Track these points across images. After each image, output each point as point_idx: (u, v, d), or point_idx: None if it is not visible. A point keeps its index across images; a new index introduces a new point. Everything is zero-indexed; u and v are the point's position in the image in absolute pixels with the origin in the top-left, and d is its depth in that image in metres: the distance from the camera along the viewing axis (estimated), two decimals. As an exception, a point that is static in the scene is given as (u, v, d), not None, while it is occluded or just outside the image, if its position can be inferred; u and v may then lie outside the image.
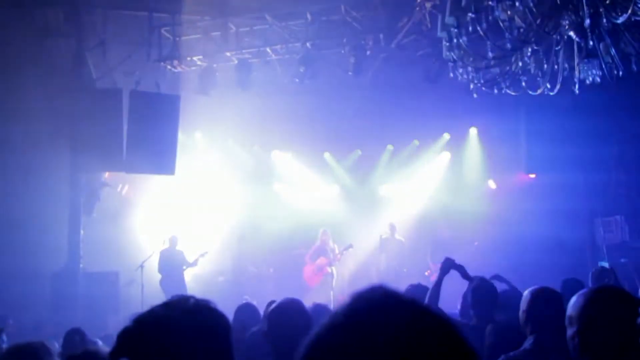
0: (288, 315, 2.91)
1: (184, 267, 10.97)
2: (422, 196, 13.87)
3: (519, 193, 12.52)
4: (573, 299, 2.30)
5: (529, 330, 3.03)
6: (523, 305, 3.10)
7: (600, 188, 11.41)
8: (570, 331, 2.27)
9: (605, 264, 9.92)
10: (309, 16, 9.51)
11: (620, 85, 6.62)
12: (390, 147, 13.95)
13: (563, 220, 11.81)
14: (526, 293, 3.23)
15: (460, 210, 13.08)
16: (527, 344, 3.00)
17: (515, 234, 11.51)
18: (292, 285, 11.95)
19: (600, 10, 4.87)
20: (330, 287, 11.83)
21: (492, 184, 13.50)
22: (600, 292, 2.27)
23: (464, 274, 4.59)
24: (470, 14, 5.17)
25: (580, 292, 2.30)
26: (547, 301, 3.07)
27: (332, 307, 10.97)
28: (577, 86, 6.00)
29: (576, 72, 5.80)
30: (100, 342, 4.27)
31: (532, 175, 12.19)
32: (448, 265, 4.55)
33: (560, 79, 6.04)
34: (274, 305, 3.08)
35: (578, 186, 11.57)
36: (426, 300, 4.23)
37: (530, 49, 5.62)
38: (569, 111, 10.34)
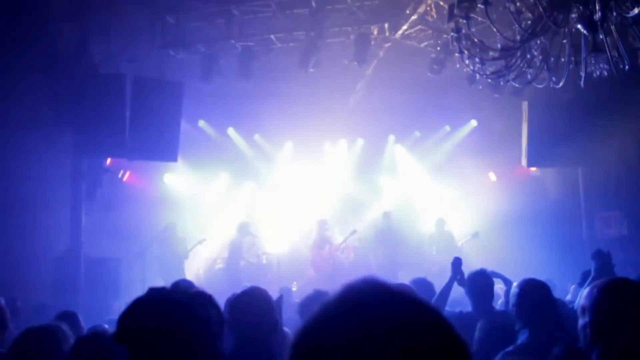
0: (251, 303, 2.87)
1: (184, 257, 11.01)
2: (422, 187, 13.92)
3: (519, 186, 12.57)
4: (586, 290, 2.32)
5: (522, 323, 3.04)
6: (513, 299, 3.12)
7: (600, 182, 11.43)
8: (582, 321, 2.29)
9: None
10: (313, 4, 9.45)
11: (622, 79, 6.62)
12: (391, 137, 13.98)
13: (562, 214, 11.87)
14: (514, 287, 3.25)
15: (460, 202, 13.14)
16: (523, 337, 3.02)
17: (515, 226, 11.54)
18: (290, 273, 12.01)
19: (611, 3, 4.87)
20: (331, 275, 11.87)
21: (492, 177, 13.55)
22: (614, 284, 2.30)
23: (461, 280, 4.62)
24: (480, 5, 5.16)
25: (594, 283, 2.33)
26: (537, 293, 3.08)
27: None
28: (582, 80, 5.99)
29: (582, 66, 5.80)
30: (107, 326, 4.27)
31: (533, 169, 12.22)
32: (458, 265, 4.62)
33: (566, 72, 6.03)
34: (237, 294, 3.03)
35: (578, 180, 11.62)
36: (434, 300, 4.29)
37: (537, 42, 5.61)
38: (570, 105, 10.35)
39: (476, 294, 4.22)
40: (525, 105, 10.95)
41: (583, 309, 2.29)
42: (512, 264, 8.95)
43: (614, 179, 11.38)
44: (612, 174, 11.39)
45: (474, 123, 13.41)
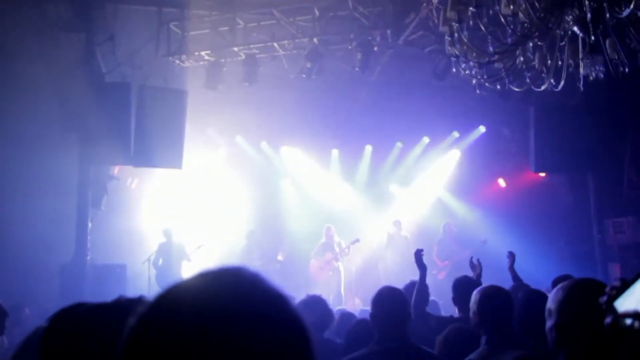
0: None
1: (185, 261, 10.98)
2: (430, 193, 13.83)
3: (529, 192, 12.42)
4: (552, 292, 2.28)
5: (482, 330, 3.01)
6: (473, 306, 3.10)
7: (611, 187, 11.25)
8: (548, 324, 2.25)
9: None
10: (316, 11, 9.50)
11: (631, 81, 6.51)
12: (399, 144, 13.91)
13: (573, 219, 11.70)
14: (475, 293, 3.22)
15: (468, 208, 13.03)
16: (482, 343, 2.99)
17: (524, 233, 11.40)
18: (299, 280, 11.97)
19: (604, 4, 4.81)
20: (337, 282, 11.85)
21: (501, 183, 13.42)
22: (580, 285, 2.25)
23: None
24: (471, 8, 5.12)
25: (560, 285, 2.28)
26: (495, 299, 3.06)
27: (342, 301, 11.01)
28: (581, 83, 5.92)
29: (580, 69, 5.73)
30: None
31: (542, 174, 12.07)
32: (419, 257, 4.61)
33: (564, 75, 5.96)
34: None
35: (588, 185, 11.44)
36: (413, 301, 4.23)
37: (532, 44, 5.56)
38: (580, 109, 10.21)
39: (461, 299, 4.17)
40: (532, 110, 10.85)
41: (549, 311, 2.24)
42: (521, 272, 8.83)
43: (627, 183, 11.19)
44: (623, 178, 11.20)
45: (482, 129, 13.31)
